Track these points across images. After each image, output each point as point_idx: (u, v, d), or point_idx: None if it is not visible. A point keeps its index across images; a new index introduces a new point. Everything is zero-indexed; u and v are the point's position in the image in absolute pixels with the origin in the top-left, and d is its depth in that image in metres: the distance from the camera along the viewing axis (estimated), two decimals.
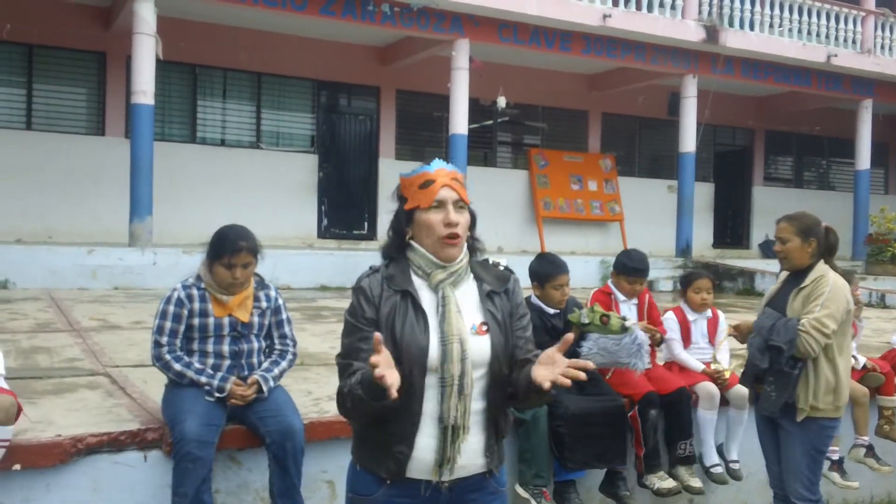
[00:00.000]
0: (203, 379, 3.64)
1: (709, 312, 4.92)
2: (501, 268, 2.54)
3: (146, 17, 10.17)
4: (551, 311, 4.30)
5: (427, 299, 2.37)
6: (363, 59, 13.95)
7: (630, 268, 4.58)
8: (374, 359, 2.07)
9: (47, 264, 9.78)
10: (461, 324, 2.33)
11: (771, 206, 17.16)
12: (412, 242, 2.41)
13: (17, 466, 3.35)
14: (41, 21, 11.54)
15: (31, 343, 6.22)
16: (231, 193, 12.56)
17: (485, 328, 2.37)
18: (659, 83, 15.23)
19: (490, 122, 15.53)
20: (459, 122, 12.45)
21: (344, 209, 14.09)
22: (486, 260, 2.59)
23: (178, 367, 3.67)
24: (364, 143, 14.39)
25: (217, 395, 3.62)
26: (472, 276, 2.47)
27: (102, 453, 3.62)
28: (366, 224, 14.46)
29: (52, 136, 11.83)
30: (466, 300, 2.40)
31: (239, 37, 12.75)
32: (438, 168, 2.40)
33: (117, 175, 10.45)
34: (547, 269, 4.28)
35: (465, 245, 2.45)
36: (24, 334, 6.61)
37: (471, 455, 2.33)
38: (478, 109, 14.60)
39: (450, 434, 2.29)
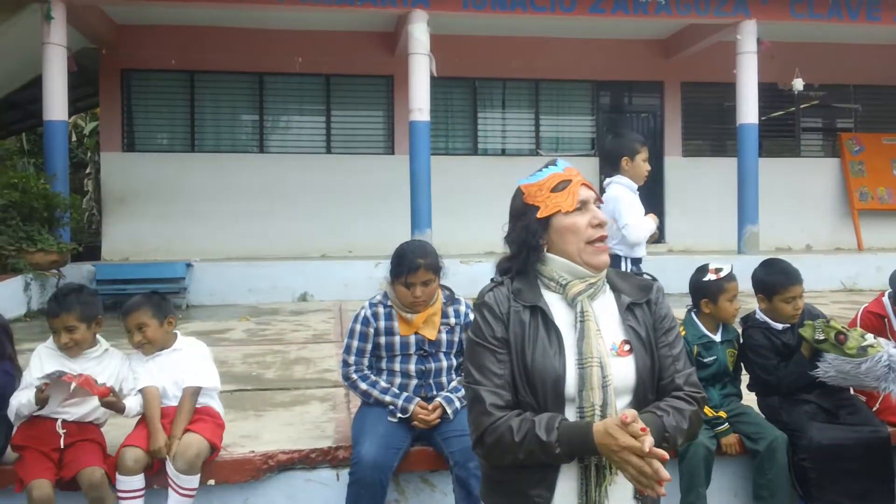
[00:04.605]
0: (388, 398, 3.57)
1: None
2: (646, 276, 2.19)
3: (420, 38, 10.57)
4: (779, 326, 3.60)
5: (561, 315, 2.08)
6: (643, 54, 13.24)
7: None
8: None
9: (342, 277, 10.57)
10: (601, 344, 2.02)
11: None
12: (549, 254, 2.14)
13: (212, 482, 3.51)
14: (335, 51, 12.57)
15: (298, 354, 6.69)
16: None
17: (627, 348, 2.06)
18: None
19: (793, 108, 13.89)
20: (748, 111, 11.21)
21: None
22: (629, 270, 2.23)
23: (363, 386, 3.62)
24: (648, 141, 13.53)
25: (400, 415, 3.51)
26: (608, 287, 2.16)
27: (296, 470, 3.68)
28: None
29: (348, 157, 12.83)
30: (605, 315, 2.11)
31: (514, 45, 12.79)
32: (567, 167, 2.22)
33: (405, 191, 10.99)
34: (776, 278, 3.59)
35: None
36: (296, 345, 7.15)
37: (619, 498, 2.00)
38: (777, 95, 13.15)
39: (593, 475, 1.97)
